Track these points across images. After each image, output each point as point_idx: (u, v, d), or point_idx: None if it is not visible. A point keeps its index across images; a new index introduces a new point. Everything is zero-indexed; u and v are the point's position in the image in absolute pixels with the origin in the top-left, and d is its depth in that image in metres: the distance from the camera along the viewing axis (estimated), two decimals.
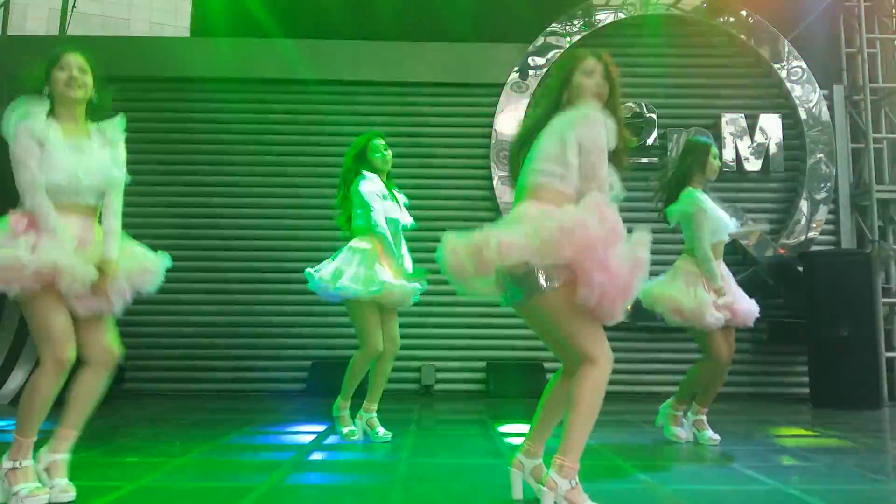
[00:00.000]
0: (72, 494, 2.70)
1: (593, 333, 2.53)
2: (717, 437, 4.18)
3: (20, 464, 2.68)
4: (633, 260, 2.47)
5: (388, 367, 4.33)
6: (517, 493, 2.69)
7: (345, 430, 4.27)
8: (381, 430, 4.23)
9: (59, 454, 2.77)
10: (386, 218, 4.18)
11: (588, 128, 2.51)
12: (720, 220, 4.22)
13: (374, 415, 4.30)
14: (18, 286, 2.60)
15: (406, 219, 4.41)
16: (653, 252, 2.56)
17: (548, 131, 2.62)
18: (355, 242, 4.23)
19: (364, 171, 4.26)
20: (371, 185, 4.22)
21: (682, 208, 4.24)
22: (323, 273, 4.16)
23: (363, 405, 4.32)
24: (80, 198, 2.77)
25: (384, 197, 4.25)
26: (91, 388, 2.81)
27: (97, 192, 2.82)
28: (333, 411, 4.34)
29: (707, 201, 4.22)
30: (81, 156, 2.78)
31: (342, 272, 4.07)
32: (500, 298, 2.63)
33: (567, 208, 2.46)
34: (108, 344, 2.83)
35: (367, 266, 4.08)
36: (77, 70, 2.83)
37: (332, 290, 4.07)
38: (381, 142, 4.36)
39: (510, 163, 2.85)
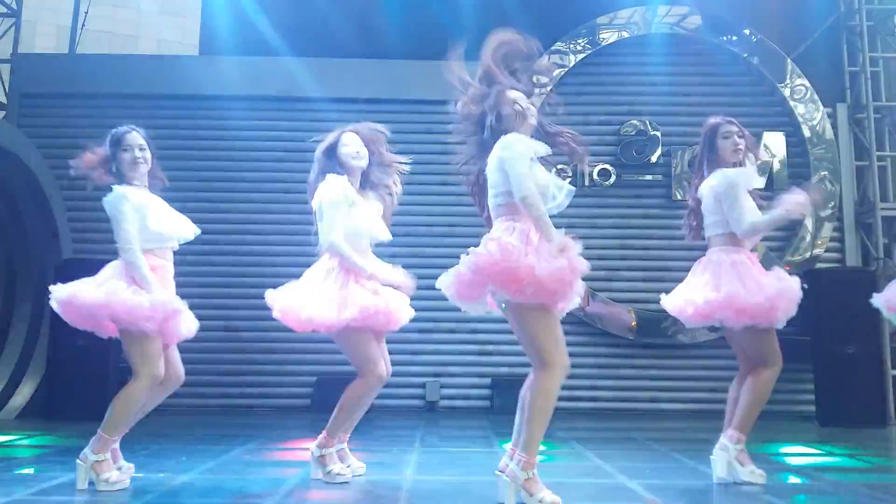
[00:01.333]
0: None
1: (553, 342, 2.86)
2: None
3: (104, 456, 3.25)
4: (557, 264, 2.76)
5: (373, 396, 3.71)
6: (501, 497, 2.83)
7: (335, 469, 3.45)
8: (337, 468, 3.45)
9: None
10: (354, 232, 3.51)
11: (507, 151, 2.94)
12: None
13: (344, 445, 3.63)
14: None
15: (382, 233, 3.71)
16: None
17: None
18: (324, 260, 3.56)
19: (327, 174, 3.56)
20: (333, 190, 3.49)
21: (710, 185, 3.59)
22: (288, 300, 3.47)
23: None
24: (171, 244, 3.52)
25: (351, 204, 3.51)
26: (159, 401, 3.56)
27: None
28: (314, 451, 3.47)
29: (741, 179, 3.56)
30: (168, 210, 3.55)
31: (308, 297, 3.42)
32: (502, 315, 3.02)
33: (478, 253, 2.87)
34: (180, 365, 3.57)
35: (340, 286, 3.44)
36: (138, 150, 3.49)
37: (300, 320, 3.40)
38: (354, 136, 3.64)
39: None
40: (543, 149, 3.02)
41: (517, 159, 2.90)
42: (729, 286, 3.43)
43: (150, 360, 3.29)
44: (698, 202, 3.72)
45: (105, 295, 3.24)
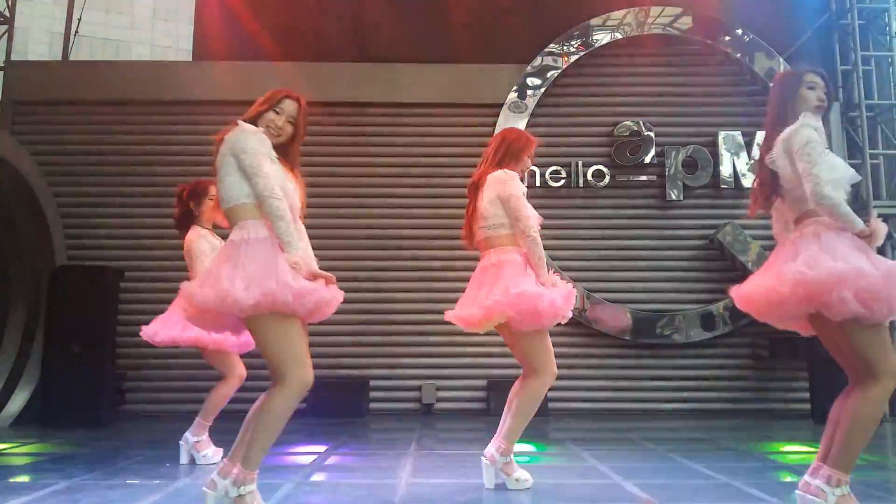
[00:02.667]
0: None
1: (543, 352, 3.38)
2: None
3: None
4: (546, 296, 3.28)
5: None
6: (489, 483, 3.39)
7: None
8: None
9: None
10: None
11: (502, 186, 3.45)
12: (839, 165, 2.87)
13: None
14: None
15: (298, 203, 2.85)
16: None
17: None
18: (237, 232, 2.70)
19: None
20: (255, 142, 2.74)
21: (782, 148, 2.84)
22: (206, 287, 2.60)
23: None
24: None
25: (273, 160, 2.78)
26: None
27: None
28: (232, 491, 2.65)
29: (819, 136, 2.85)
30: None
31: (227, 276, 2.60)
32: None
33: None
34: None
35: (265, 260, 2.61)
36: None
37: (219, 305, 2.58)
38: (293, 106, 2.91)
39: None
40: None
41: (522, 201, 3.42)
42: (855, 260, 2.60)
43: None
44: (769, 172, 2.89)
45: None
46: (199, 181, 4.38)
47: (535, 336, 3.35)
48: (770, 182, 2.89)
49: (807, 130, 2.78)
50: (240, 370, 4.33)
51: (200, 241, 4.15)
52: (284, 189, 2.71)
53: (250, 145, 2.71)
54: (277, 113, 2.86)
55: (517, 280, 3.29)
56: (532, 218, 3.41)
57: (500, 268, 3.38)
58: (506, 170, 3.51)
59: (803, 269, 2.61)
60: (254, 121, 2.86)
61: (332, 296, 2.70)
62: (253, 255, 2.61)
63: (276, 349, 2.62)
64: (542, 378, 3.37)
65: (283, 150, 2.89)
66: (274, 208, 2.62)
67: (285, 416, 2.67)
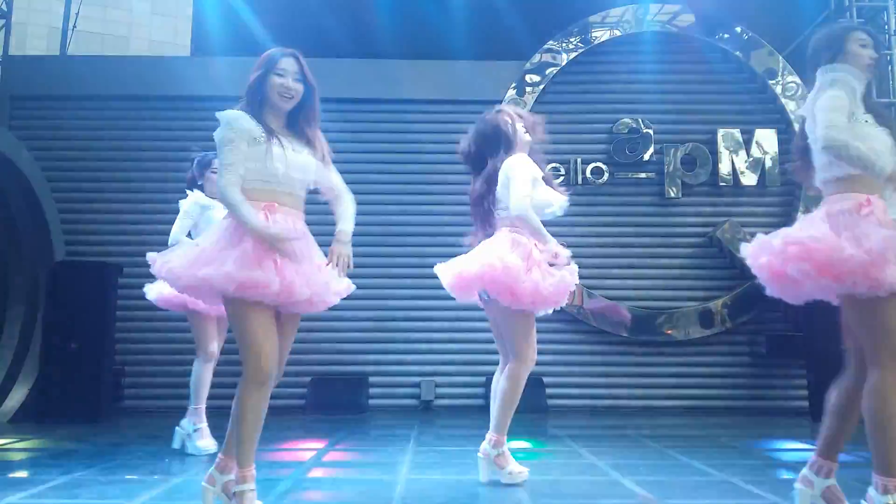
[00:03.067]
0: None
1: (524, 338, 3.34)
2: None
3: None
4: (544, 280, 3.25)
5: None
6: (484, 477, 3.39)
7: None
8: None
9: None
10: (266, 177, 2.63)
11: (508, 169, 3.44)
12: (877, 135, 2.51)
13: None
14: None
15: (310, 175, 2.88)
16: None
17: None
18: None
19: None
20: (224, 131, 2.67)
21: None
22: (175, 262, 2.65)
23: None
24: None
25: (257, 141, 2.66)
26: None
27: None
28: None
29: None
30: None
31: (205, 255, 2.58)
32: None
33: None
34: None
35: (221, 245, 2.59)
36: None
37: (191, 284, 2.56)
38: (292, 64, 2.77)
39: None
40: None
41: (518, 181, 3.36)
42: (815, 230, 2.46)
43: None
44: (804, 147, 2.66)
45: None
46: (208, 153, 4.55)
47: (519, 318, 3.33)
48: (805, 157, 2.66)
49: (834, 90, 2.47)
50: (211, 346, 4.35)
51: (186, 202, 4.38)
52: (267, 170, 2.62)
53: (218, 136, 2.67)
54: (280, 75, 2.72)
55: (491, 253, 3.29)
56: (521, 196, 3.29)
57: (491, 242, 3.41)
58: (515, 155, 3.52)
59: (769, 238, 2.58)
60: (259, 89, 2.74)
61: (299, 292, 2.57)
62: (214, 236, 2.67)
63: (237, 332, 2.63)
64: (519, 364, 3.35)
65: (303, 114, 2.83)
66: (225, 206, 2.63)
67: (251, 406, 2.57)
